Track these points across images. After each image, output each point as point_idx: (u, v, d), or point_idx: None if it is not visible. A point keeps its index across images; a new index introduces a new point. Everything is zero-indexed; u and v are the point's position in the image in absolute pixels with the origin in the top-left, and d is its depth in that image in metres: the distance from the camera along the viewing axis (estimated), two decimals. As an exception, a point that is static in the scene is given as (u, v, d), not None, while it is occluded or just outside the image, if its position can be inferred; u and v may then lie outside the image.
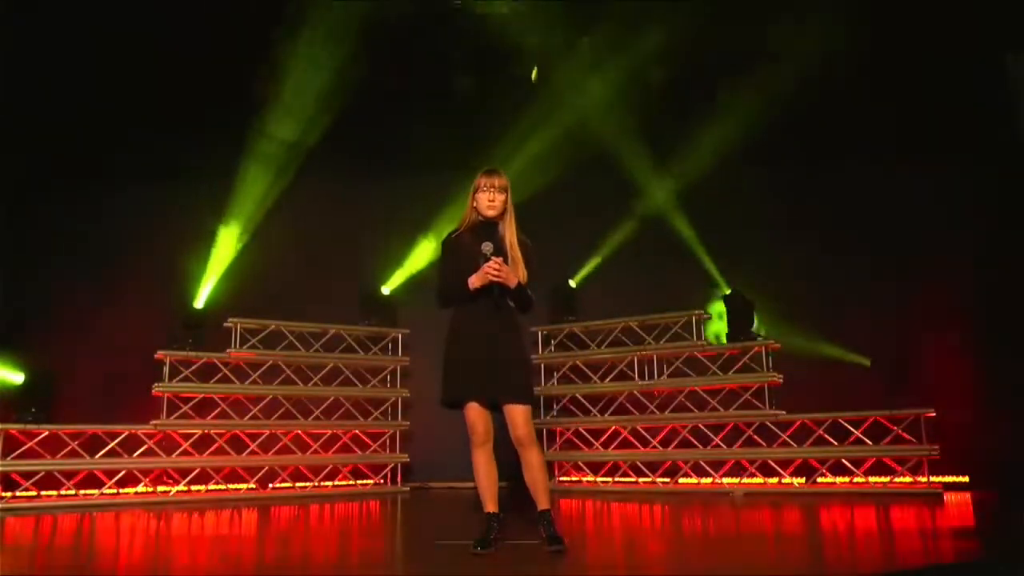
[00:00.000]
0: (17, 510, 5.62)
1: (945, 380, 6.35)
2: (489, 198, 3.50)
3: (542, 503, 3.46)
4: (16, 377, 6.22)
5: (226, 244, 7.35)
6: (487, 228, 3.52)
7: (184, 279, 7.20)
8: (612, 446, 6.85)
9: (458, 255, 3.53)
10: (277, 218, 7.55)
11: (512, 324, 3.54)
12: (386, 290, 7.53)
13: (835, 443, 6.09)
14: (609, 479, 6.83)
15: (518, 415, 3.41)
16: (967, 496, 5.68)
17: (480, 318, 3.49)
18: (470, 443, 3.48)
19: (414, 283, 7.56)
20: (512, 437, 3.45)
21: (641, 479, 6.70)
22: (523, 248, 3.55)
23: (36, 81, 6.57)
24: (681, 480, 6.56)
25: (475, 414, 3.45)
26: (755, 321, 6.63)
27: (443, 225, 7.42)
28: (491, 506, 3.51)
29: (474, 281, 3.43)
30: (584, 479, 6.95)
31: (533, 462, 3.45)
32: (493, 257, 3.39)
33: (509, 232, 3.53)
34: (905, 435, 5.91)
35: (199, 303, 7.11)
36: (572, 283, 7.42)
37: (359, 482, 6.98)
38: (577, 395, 7.08)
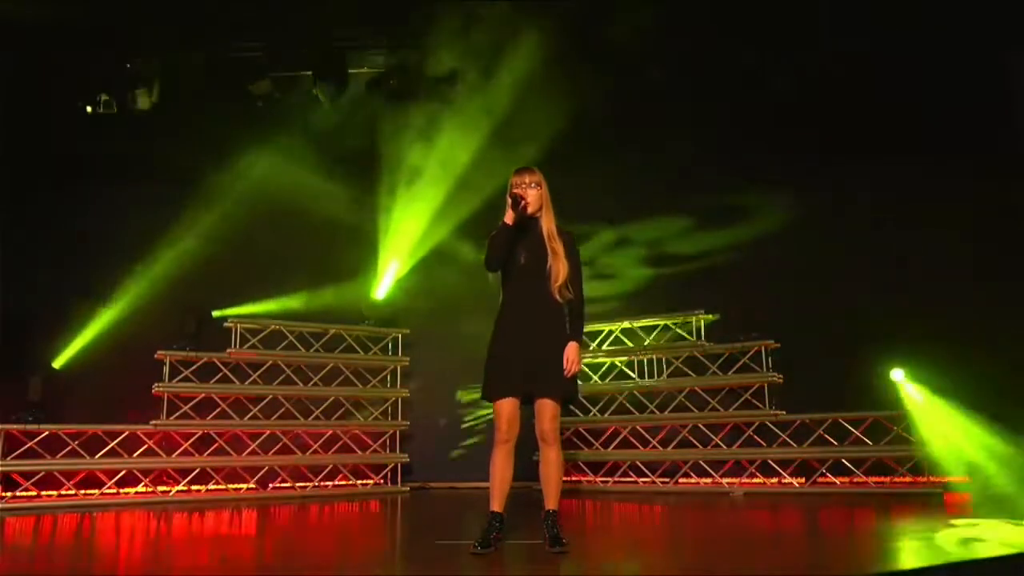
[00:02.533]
0: (17, 510, 5.62)
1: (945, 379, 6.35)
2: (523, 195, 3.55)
3: (550, 503, 3.47)
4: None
5: (230, 243, 7.35)
6: (526, 224, 3.57)
7: (184, 279, 7.21)
8: (612, 446, 6.86)
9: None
10: (278, 217, 7.55)
11: (556, 318, 3.53)
12: (386, 291, 7.53)
13: (835, 443, 6.09)
14: (609, 479, 6.83)
15: (546, 410, 3.46)
16: (967, 496, 5.68)
17: (523, 311, 3.53)
18: (494, 438, 3.49)
19: (415, 283, 7.57)
20: (536, 430, 3.50)
21: (641, 479, 6.70)
22: (564, 239, 3.59)
23: (38, 76, 6.57)
24: (681, 480, 6.56)
25: (505, 409, 3.46)
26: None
27: (444, 225, 7.43)
28: (496, 505, 3.50)
29: (509, 215, 3.48)
30: (584, 479, 6.95)
31: (551, 459, 3.48)
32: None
33: (547, 224, 3.59)
34: (905, 435, 5.91)
35: (215, 307, 7.11)
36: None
37: (359, 482, 6.98)
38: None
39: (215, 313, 6.95)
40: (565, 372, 3.45)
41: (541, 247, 3.55)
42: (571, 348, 3.48)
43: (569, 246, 3.60)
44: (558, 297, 3.53)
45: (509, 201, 3.53)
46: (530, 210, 3.55)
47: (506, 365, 3.48)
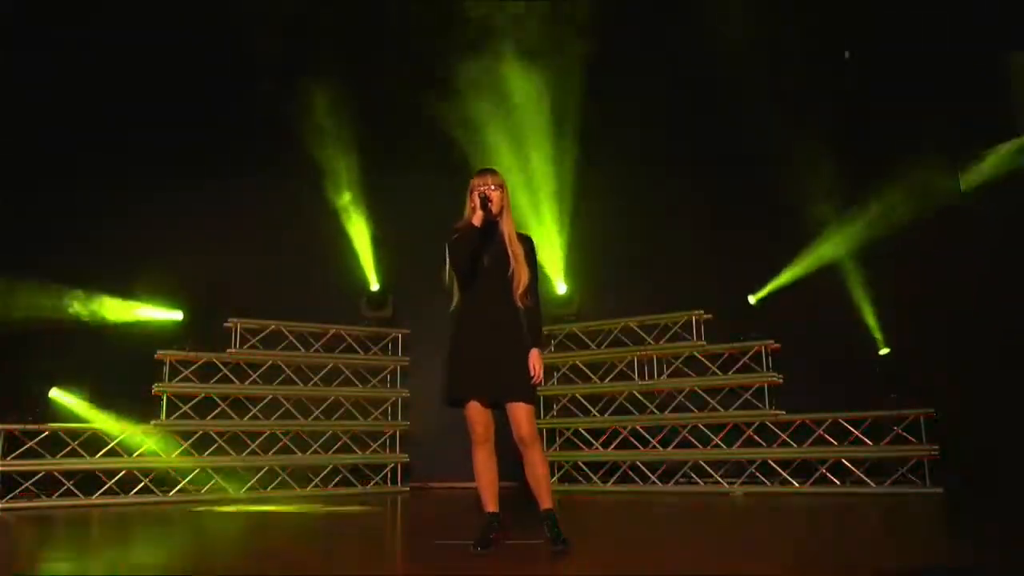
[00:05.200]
0: (17, 510, 5.62)
1: (945, 379, 6.34)
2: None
3: (544, 503, 3.45)
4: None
5: (228, 243, 7.35)
6: (487, 226, 3.50)
7: (184, 278, 7.21)
8: (612, 446, 6.86)
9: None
10: (278, 217, 7.57)
11: (516, 321, 3.49)
12: (384, 289, 7.53)
13: (835, 443, 6.09)
14: (609, 479, 6.83)
15: (521, 414, 3.39)
16: (967, 496, 5.68)
17: (484, 315, 3.49)
18: (471, 441, 3.48)
19: (415, 283, 7.56)
20: (515, 436, 3.45)
21: (641, 479, 6.70)
22: (524, 242, 3.56)
23: (37, 79, 6.56)
24: (681, 480, 6.56)
25: (475, 412, 3.45)
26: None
27: (444, 225, 7.42)
28: (491, 506, 3.50)
29: (478, 217, 3.41)
30: (584, 479, 6.94)
31: (536, 461, 3.45)
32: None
33: (507, 227, 3.54)
34: (905, 435, 5.92)
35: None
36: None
37: (359, 482, 6.97)
38: (577, 395, 7.08)
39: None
40: (533, 380, 3.41)
41: (503, 251, 3.50)
42: (535, 355, 3.45)
43: (529, 251, 3.55)
44: (520, 302, 3.48)
45: (475, 202, 3.45)
46: (493, 211, 3.48)
47: (470, 369, 3.44)
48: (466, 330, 3.51)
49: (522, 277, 3.47)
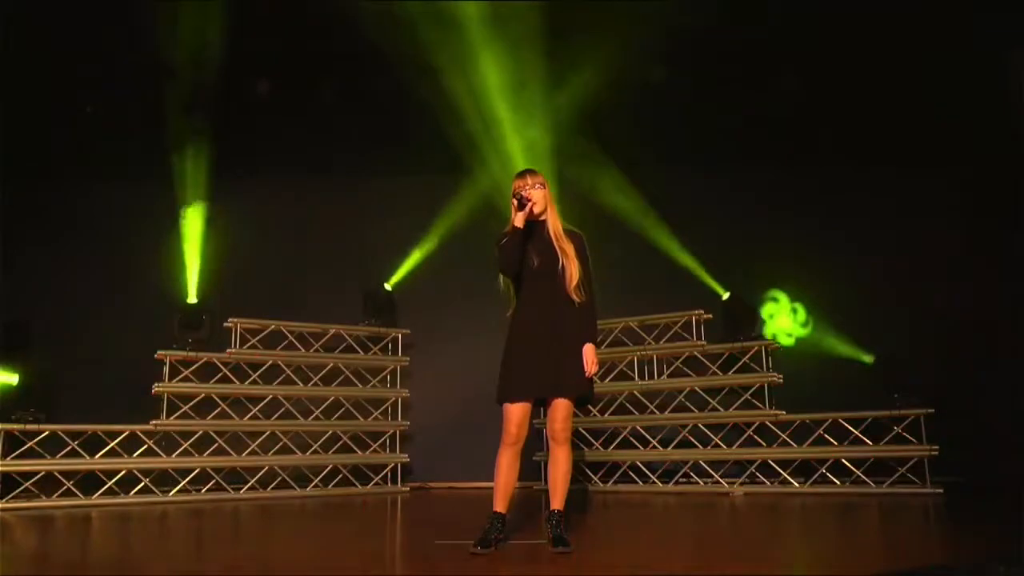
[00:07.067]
0: (17, 510, 5.62)
1: (945, 379, 6.35)
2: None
3: (556, 502, 3.48)
4: (10, 378, 6.26)
5: (225, 242, 7.35)
6: (533, 226, 3.55)
7: (184, 278, 7.22)
8: (612, 446, 6.85)
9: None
10: (277, 216, 7.56)
11: (570, 318, 3.52)
12: (387, 289, 7.52)
13: (835, 443, 6.09)
14: (609, 479, 6.82)
15: (561, 411, 3.47)
16: (967, 496, 5.68)
17: (537, 314, 3.52)
18: (502, 440, 3.49)
19: (415, 283, 7.56)
20: (548, 430, 3.54)
21: (641, 479, 6.69)
22: (574, 238, 3.59)
23: (32, 76, 6.56)
24: (681, 480, 6.56)
25: (514, 413, 3.46)
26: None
27: (444, 224, 7.42)
28: (500, 507, 3.49)
29: (519, 218, 3.45)
30: (584, 479, 6.94)
31: (560, 459, 3.50)
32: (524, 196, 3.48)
33: (553, 224, 3.58)
34: (905, 435, 5.91)
35: (193, 299, 7.13)
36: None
37: (359, 482, 6.97)
38: (577, 395, 7.06)
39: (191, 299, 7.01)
40: (586, 374, 3.47)
41: (551, 249, 3.54)
42: (589, 349, 3.51)
43: (579, 247, 3.59)
44: (574, 297, 3.52)
45: (515, 204, 3.51)
46: (536, 211, 3.53)
47: (522, 369, 3.47)
48: (520, 331, 3.55)
49: (573, 273, 3.51)
